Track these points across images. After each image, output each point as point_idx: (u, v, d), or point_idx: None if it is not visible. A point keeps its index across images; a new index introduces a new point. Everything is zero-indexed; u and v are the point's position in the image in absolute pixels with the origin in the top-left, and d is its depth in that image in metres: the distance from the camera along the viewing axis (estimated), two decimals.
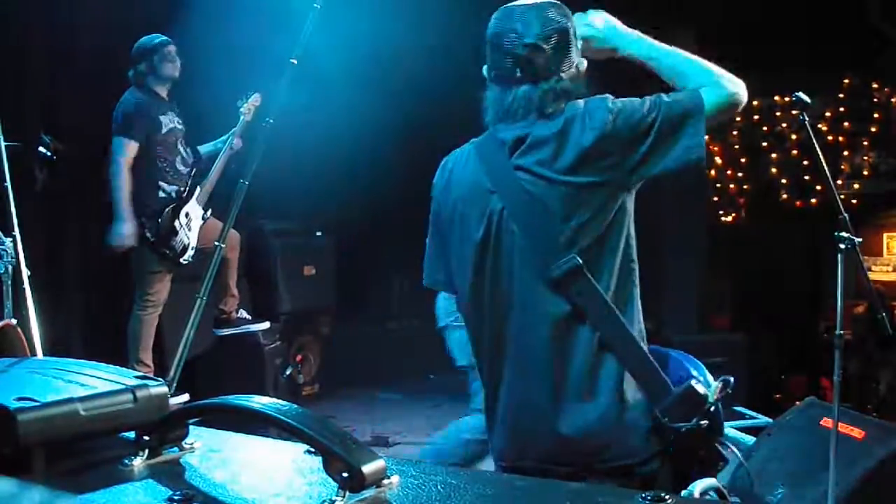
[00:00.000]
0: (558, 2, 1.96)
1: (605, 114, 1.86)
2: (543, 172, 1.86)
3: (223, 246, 3.07)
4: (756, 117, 7.08)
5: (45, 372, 1.17)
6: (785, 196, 7.02)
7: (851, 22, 6.23)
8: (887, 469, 2.91)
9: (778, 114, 6.94)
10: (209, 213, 4.60)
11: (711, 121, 1.90)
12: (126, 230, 4.34)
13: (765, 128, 7.06)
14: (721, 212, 7.13)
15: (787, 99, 6.43)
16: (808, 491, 3.00)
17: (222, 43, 4.87)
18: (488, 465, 2.09)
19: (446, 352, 3.91)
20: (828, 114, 6.75)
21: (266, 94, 3.10)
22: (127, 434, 1.13)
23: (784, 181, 7.02)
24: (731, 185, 7.17)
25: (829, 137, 6.70)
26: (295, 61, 2.99)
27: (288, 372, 5.58)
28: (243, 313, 4.97)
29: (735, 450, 1.95)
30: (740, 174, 7.17)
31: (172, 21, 4.72)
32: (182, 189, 4.50)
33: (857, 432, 3.05)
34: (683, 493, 1.78)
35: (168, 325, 4.63)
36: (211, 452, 1.13)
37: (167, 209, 4.39)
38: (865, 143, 6.77)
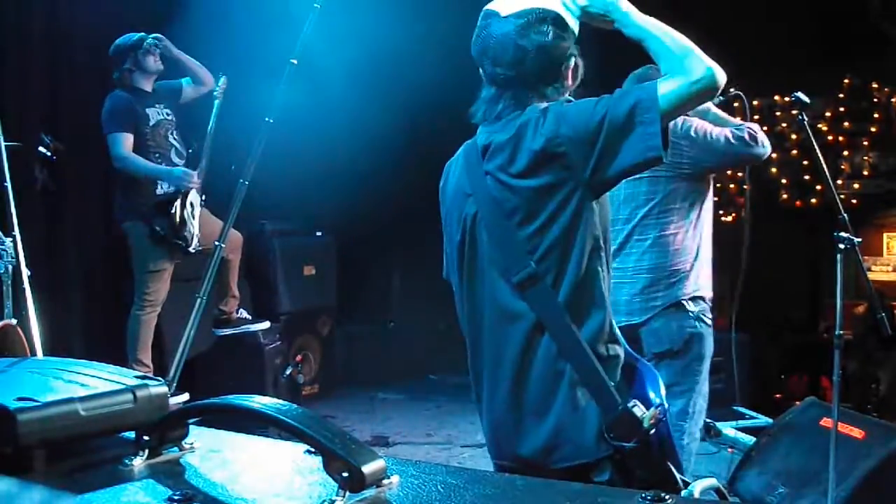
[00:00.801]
0: (543, 8, 1.92)
1: (556, 117, 1.83)
2: (503, 178, 1.87)
3: (223, 246, 3.08)
4: (756, 117, 7.07)
5: (45, 372, 1.17)
6: (785, 196, 7.01)
7: (851, 22, 6.23)
8: (887, 469, 2.91)
9: (778, 114, 6.93)
10: (204, 197, 4.60)
11: (681, 109, 1.85)
12: (182, 174, 4.38)
13: (765, 128, 7.04)
14: (721, 212, 7.13)
15: (787, 99, 6.42)
16: (808, 491, 3.00)
17: (222, 43, 4.87)
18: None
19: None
20: (828, 114, 6.75)
21: (266, 94, 3.11)
22: (127, 434, 1.13)
23: (784, 181, 7.01)
24: (731, 185, 7.17)
25: (829, 137, 6.70)
26: (295, 61, 3.00)
27: (288, 372, 5.58)
28: (243, 313, 4.97)
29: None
30: (740, 174, 7.16)
31: (172, 21, 4.72)
32: None
33: (857, 432, 3.04)
34: (683, 492, 1.78)
35: (168, 325, 4.63)
36: (211, 452, 1.13)
37: (175, 201, 4.39)
38: (865, 143, 6.77)
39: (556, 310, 1.83)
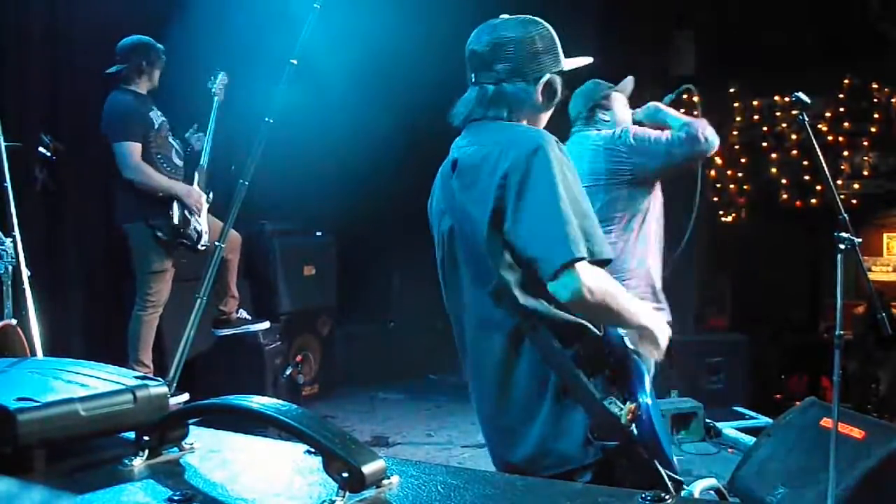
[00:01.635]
0: (534, 18, 2.00)
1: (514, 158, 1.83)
2: (466, 198, 1.90)
3: (223, 246, 3.08)
4: (756, 117, 7.08)
5: (45, 372, 1.17)
6: (785, 196, 7.02)
7: (851, 22, 6.24)
8: (887, 469, 2.91)
9: (778, 114, 6.94)
10: (211, 195, 4.61)
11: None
12: (190, 192, 4.41)
13: (765, 128, 7.07)
14: (721, 212, 7.13)
15: (787, 99, 6.43)
16: (808, 491, 3.00)
17: (222, 43, 4.87)
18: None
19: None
20: (828, 114, 6.75)
21: (266, 94, 3.11)
22: (127, 434, 1.13)
23: (784, 181, 7.02)
24: (731, 185, 7.17)
25: (829, 137, 6.71)
26: (295, 61, 3.00)
27: (288, 372, 5.58)
28: (243, 313, 4.97)
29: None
30: (740, 174, 7.17)
31: (172, 21, 4.72)
32: (181, 180, 4.50)
33: (857, 432, 3.05)
34: (683, 492, 1.78)
35: (168, 325, 4.63)
36: (211, 452, 1.13)
37: (173, 203, 4.39)
38: (865, 143, 6.78)
39: (531, 318, 1.83)
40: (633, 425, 1.79)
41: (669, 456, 1.84)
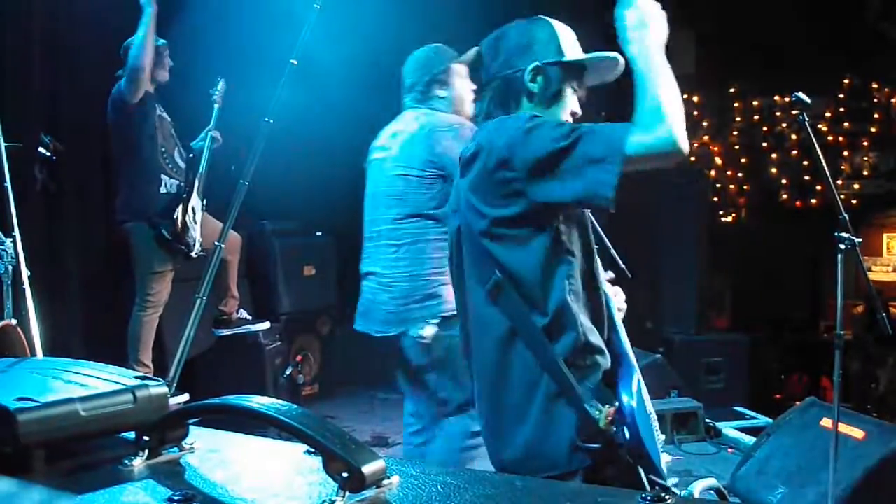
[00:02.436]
0: (538, 17, 2.01)
1: (508, 139, 1.81)
2: (467, 195, 1.91)
3: (223, 246, 3.08)
4: (756, 117, 7.08)
5: (45, 372, 1.17)
6: (785, 196, 7.02)
7: (851, 22, 6.24)
8: (887, 469, 2.91)
9: (778, 114, 6.94)
10: (205, 202, 4.60)
11: (641, 164, 1.75)
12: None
13: (765, 128, 7.07)
14: (721, 212, 7.13)
15: (787, 99, 6.43)
16: (808, 491, 3.00)
17: (222, 43, 4.87)
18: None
19: None
20: (828, 114, 6.76)
21: (266, 95, 3.11)
22: (127, 434, 1.13)
23: (784, 181, 7.02)
24: (731, 185, 7.18)
25: (829, 137, 6.71)
26: (295, 62, 3.00)
27: (288, 372, 5.57)
28: (244, 313, 4.97)
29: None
30: (740, 174, 7.17)
31: (172, 21, 4.72)
32: (182, 183, 4.49)
33: (857, 432, 3.05)
34: (683, 492, 1.78)
35: (168, 325, 4.63)
36: (211, 452, 1.13)
37: (178, 206, 4.39)
38: (865, 143, 6.78)
39: (525, 319, 1.83)
40: (617, 428, 1.77)
41: (655, 460, 1.82)
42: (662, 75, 1.75)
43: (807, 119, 2.88)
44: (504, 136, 1.82)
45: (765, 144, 7.08)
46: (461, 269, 1.99)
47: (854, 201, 6.43)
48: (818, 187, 6.63)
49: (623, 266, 2.24)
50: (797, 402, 3.72)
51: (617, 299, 2.04)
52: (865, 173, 6.77)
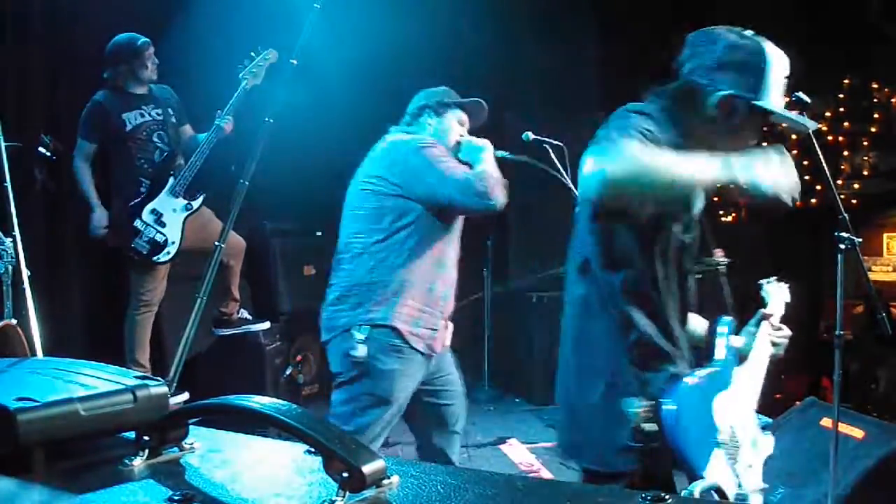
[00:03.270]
0: (758, 40, 2.01)
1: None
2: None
3: (223, 246, 3.08)
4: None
5: (45, 372, 1.17)
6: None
7: (851, 22, 6.23)
8: (887, 469, 2.91)
9: None
10: (198, 201, 4.53)
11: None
12: (98, 220, 4.41)
13: (764, 128, 7.06)
14: (721, 212, 7.13)
15: (787, 99, 6.43)
16: (808, 491, 3.00)
17: (222, 43, 4.87)
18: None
19: None
20: (828, 114, 6.75)
21: (266, 95, 3.11)
22: (127, 434, 1.12)
23: None
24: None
25: (829, 137, 6.70)
26: (295, 61, 3.00)
27: (288, 372, 5.57)
28: (244, 313, 4.97)
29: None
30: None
31: (172, 21, 4.72)
32: (151, 185, 4.44)
33: (857, 432, 3.05)
34: (684, 492, 1.78)
35: (168, 325, 4.63)
36: (211, 452, 1.13)
37: (122, 212, 4.36)
38: (865, 143, 6.77)
39: (604, 300, 1.84)
40: (658, 428, 1.76)
41: (694, 465, 1.80)
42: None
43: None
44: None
45: (765, 144, 7.07)
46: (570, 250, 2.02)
47: (854, 201, 6.42)
48: (818, 187, 6.63)
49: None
50: (797, 402, 3.72)
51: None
52: (865, 173, 6.76)
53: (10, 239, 3.09)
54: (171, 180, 4.46)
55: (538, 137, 3.49)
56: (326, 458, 0.94)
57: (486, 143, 3.08)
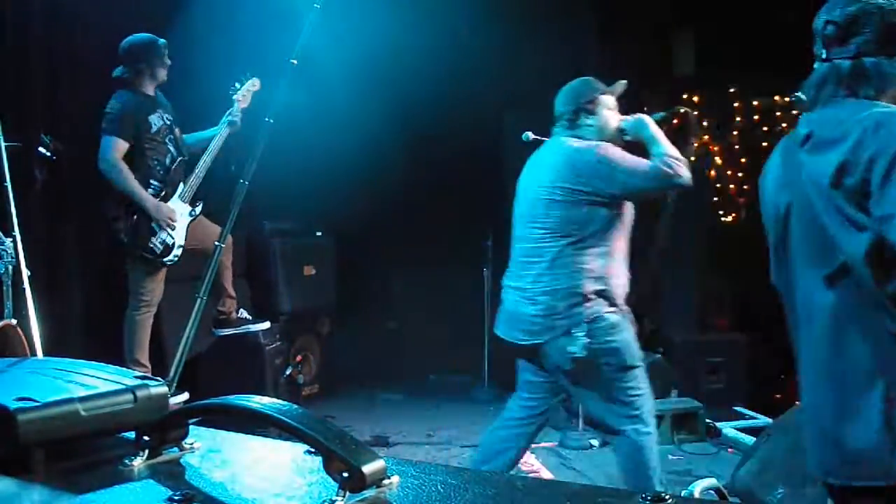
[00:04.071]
0: None
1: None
2: (817, 179, 1.78)
3: (223, 246, 3.08)
4: (756, 117, 7.08)
5: (45, 372, 1.16)
6: None
7: None
8: None
9: (778, 114, 6.93)
10: (199, 208, 4.54)
11: None
12: (158, 210, 4.33)
13: (765, 128, 7.06)
14: (721, 212, 7.13)
15: (787, 99, 6.42)
16: (808, 491, 3.00)
17: (222, 43, 4.87)
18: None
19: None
20: None
21: (266, 95, 3.12)
22: (127, 434, 1.12)
23: None
24: (731, 185, 7.17)
25: None
26: (295, 61, 3.00)
27: (288, 372, 5.58)
28: (243, 313, 4.97)
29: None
30: (740, 174, 7.17)
31: (173, 21, 4.72)
32: (164, 188, 4.45)
33: None
34: (683, 492, 1.78)
35: (168, 325, 4.63)
36: (211, 452, 1.13)
37: (139, 211, 4.35)
38: None
39: (868, 309, 1.71)
40: None
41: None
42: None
43: None
44: (888, 134, 1.68)
45: (765, 144, 7.07)
46: (786, 247, 1.89)
47: None
48: None
49: None
50: (797, 402, 3.72)
51: None
52: None
53: (10, 239, 3.09)
54: (181, 186, 4.48)
55: (538, 137, 3.50)
56: (326, 458, 0.94)
57: (641, 116, 3.30)
